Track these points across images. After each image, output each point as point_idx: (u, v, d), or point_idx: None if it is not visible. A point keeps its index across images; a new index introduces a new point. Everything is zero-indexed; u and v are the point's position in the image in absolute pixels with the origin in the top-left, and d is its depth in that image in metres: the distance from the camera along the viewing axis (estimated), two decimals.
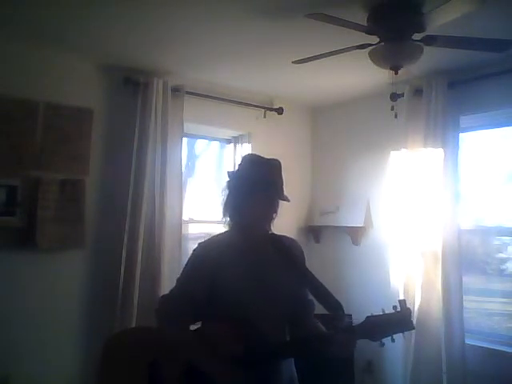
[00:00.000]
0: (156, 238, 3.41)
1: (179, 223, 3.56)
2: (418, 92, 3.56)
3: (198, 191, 4.20)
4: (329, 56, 2.73)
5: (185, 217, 3.69)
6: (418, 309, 3.36)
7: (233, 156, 4.31)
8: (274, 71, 3.60)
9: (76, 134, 3.27)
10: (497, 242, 3.67)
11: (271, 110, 4.22)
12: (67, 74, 3.26)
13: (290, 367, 1.93)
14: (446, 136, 3.39)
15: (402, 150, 3.61)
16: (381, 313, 1.76)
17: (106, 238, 3.35)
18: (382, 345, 1.74)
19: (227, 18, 2.69)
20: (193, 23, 2.77)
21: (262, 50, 3.17)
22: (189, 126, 3.74)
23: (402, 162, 3.63)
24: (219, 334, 1.75)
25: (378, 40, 2.54)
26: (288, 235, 2.07)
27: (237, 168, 2.00)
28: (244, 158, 2.02)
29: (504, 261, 3.65)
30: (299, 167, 4.47)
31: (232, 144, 4.32)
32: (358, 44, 2.60)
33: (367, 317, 1.76)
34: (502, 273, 3.64)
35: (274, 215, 1.93)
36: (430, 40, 2.50)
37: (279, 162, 1.95)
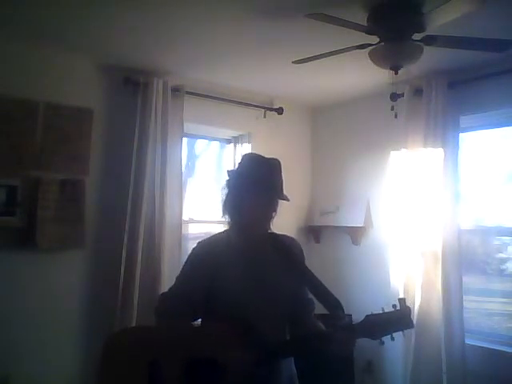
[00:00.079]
0: (156, 238, 3.41)
1: (179, 223, 3.56)
2: (417, 92, 3.57)
3: (197, 191, 4.20)
4: (329, 56, 2.73)
5: (185, 217, 3.69)
6: (418, 309, 3.36)
7: (233, 156, 4.31)
8: (274, 71, 3.60)
9: (76, 134, 3.27)
10: (497, 242, 3.68)
11: (271, 109, 4.22)
12: (67, 73, 3.26)
13: (289, 366, 1.93)
14: (446, 136, 3.39)
15: (402, 149, 3.61)
16: (380, 311, 1.76)
17: (106, 238, 3.36)
18: (382, 343, 1.75)
19: (227, 18, 2.70)
20: (193, 23, 2.77)
21: (261, 50, 3.17)
22: (189, 126, 3.74)
23: (401, 161, 3.63)
24: (218, 334, 1.75)
25: (377, 40, 2.54)
26: (287, 234, 2.07)
27: (237, 167, 1.99)
28: (244, 157, 2.02)
29: (504, 261, 3.65)
30: (299, 167, 4.47)
31: (232, 144, 4.32)
32: (358, 44, 2.60)
33: (367, 315, 1.76)
34: (502, 273, 3.64)
35: (274, 214, 1.92)
36: (430, 40, 2.50)
37: (279, 162, 1.95)
